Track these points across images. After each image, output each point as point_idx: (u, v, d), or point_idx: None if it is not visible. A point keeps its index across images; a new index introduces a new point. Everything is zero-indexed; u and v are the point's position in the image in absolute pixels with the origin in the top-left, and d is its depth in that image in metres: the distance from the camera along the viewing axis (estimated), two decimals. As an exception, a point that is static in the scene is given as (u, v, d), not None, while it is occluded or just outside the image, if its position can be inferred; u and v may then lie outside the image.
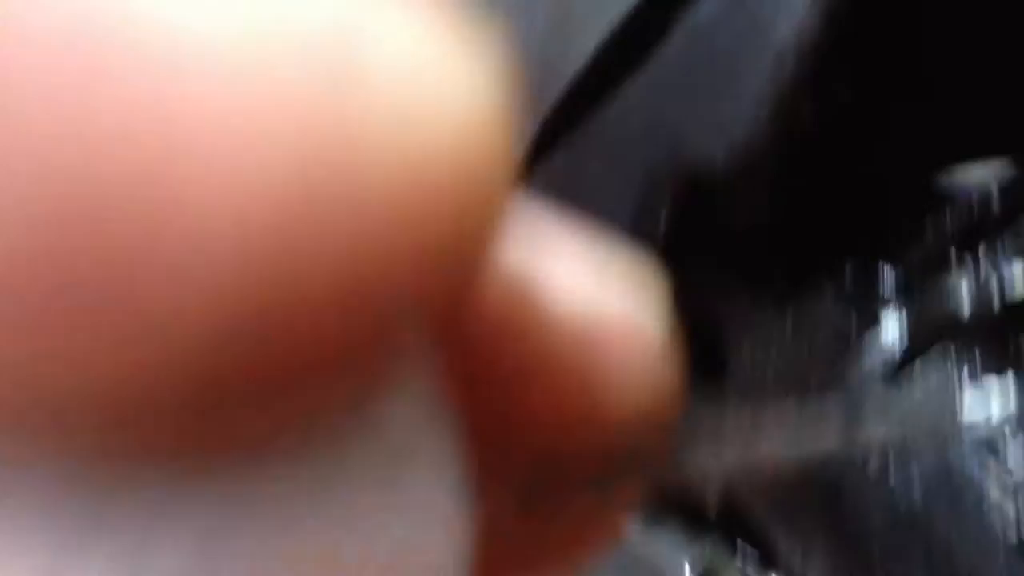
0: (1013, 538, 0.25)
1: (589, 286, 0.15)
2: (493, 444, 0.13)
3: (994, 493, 0.26)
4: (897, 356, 0.28)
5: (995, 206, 0.28)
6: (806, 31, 0.24)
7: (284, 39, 0.07)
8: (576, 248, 0.15)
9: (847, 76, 0.30)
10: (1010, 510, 0.25)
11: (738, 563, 0.31)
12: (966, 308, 0.27)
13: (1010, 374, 0.27)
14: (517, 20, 0.27)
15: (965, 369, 0.27)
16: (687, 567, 0.32)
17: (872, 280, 0.29)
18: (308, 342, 0.08)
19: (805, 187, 0.30)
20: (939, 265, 0.28)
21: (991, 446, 0.26)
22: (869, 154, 0.32)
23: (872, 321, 0.28)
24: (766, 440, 0.16)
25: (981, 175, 0.31)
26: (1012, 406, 0.26)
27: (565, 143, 0.27)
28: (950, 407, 0.27)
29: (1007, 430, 0.26)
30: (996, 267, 0.28)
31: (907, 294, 0.28)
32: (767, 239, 0.30)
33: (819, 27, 0.24)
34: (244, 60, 0.07)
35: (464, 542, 0.11)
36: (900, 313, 0.28)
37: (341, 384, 0.09)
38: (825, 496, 0.28)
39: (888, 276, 0.29)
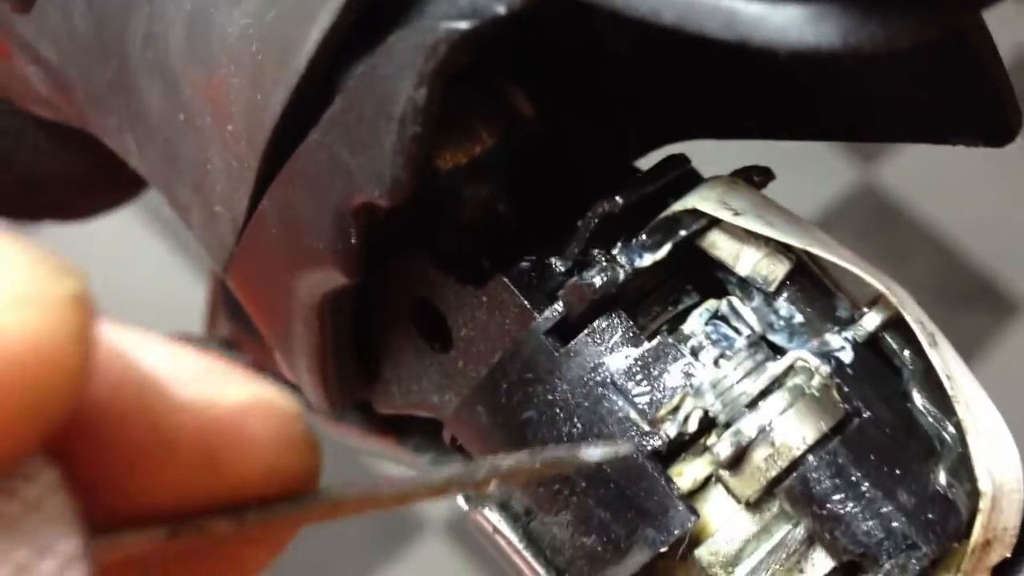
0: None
1: (205, 384, 0.21)
2: (138, 494, 0.20)
3: (632, 414, 0.33)
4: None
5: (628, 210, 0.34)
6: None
7: None
8: (191, 360, 0.21)
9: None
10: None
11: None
12: (608, 289, 0.34)
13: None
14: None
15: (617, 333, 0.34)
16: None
17: (544, 271, 0.35)
18: None
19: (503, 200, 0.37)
20: (589, 259, 0.35)
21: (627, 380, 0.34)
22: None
23: (544, 301, 0.35)
24: None
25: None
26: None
27: (277, 179, 0.34)
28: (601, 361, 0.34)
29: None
30: (630, 259, 0.34)
31: (567, 279, 0.35)
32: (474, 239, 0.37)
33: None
34: None
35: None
36: (562, 294, 0.34)
37: None
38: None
39: (556, 266, 0.35)
